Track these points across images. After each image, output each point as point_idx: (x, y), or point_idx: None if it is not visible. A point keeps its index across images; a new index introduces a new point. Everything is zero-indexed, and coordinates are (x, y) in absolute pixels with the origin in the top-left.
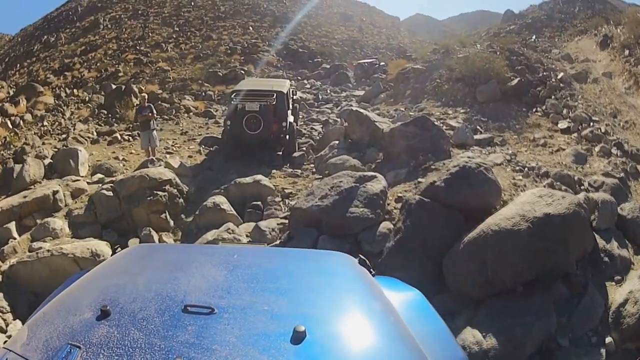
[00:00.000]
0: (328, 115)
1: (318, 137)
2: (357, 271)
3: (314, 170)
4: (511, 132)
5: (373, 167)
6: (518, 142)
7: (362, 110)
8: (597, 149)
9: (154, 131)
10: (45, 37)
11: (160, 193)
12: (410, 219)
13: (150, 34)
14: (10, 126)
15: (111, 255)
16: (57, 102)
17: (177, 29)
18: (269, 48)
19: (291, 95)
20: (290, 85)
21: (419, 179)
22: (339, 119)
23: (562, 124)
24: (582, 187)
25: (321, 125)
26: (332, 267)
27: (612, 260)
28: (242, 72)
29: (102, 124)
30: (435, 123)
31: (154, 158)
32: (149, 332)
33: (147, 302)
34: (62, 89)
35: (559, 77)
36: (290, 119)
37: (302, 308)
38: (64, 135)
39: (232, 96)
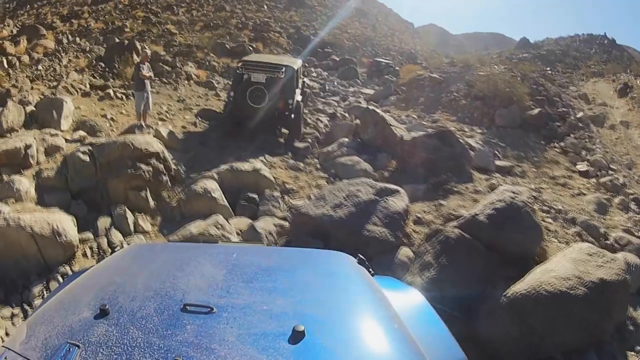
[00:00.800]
0: (335, 108)
1: (324, 130)
2: (357, 271)
3: (319, 166)
4: (529, 164)
5: (386, 175)
6: (537, 176)
7: (378, 111)
8: (616, 200)
9: (150, 92)
10: None
11: (143, 167)
12: (446, 257)
13: None
14: (6, 65)
15: (110, 255)
16: (57, 47)
17: None
18: (281, 30)
19: (302, 75)
20: (302, 65)
21: (440, 201)
22: (347, 114)
23: (581, 166)
24: (608, 242)
25: (328, 118)
26: (331, 267)
27: (637, 328)
28: (251, 48)
29: (98, 77)
30: (459, 140)
31: (143, 123)
32: (148, 331)
33: (146, 301)
34: (65, 34)
35: (578, 116)
36: (298, 98)
37: (301, 307)
38: (55, 83)
39: (238, 66)
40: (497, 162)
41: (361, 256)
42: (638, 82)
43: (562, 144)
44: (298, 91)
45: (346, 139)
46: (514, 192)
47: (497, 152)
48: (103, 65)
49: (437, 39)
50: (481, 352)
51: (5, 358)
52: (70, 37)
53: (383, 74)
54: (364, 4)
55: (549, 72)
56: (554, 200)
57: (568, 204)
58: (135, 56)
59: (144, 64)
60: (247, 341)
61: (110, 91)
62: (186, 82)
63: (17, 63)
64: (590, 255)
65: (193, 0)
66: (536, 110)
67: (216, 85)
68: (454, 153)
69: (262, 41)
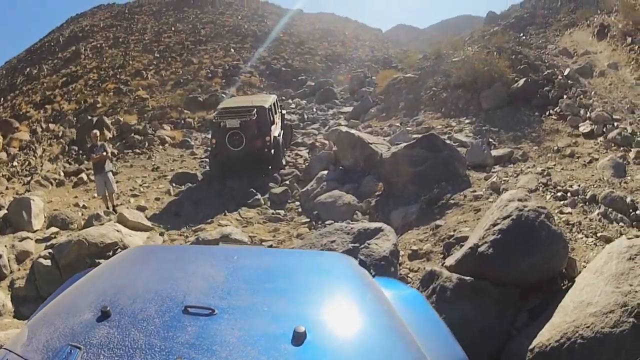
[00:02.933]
0: (315, 138)
1: (304, 165)
2: (357, 272)
3: (300, 210)
4: (529, 142)
5: (373, 204)
6: (541, 154)
7: (353, 131)
8: (631, 154)
9: (110, 173)
10: (28, 69)
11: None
12: (447, 310)
13: (131, 62)
14: None
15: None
16: (31, 138)
17: (158, 55)
18: (252, 69)
19: (277, 110)
20: (277, 100)
21: (437, 221)
22: (327, 141)
23: (584, 127)
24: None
25: (307, 150)
26: (332, 268)
27: None
28: (223, 95)
29: (72, 162)
30: (447, 142)
31: (102, 211)
32: (150, 333)
33: (147, 303)
34: (39, 123)
35: (565, 73)
36: (275, 133)
37: (302, 309)
38: (29, 178)
39: (215, 115)
40: (494, 152)
41: (362, 258)
42: (612, 18)
43: (557, 109)
44: (274, 127)
45: (325, 172)
46: (520, 200)
47: (491, 140)
48: (76, 148)
49: (407, 38)
50: None
51: None
52: (43, 124)
53: (364, 86)
54: (328, 23)
55: (523, 37)
56: (567, 180)
57: (582, 179)
58: (106, 132)
59: (97, 145)
60: (248, 342)
61: (84, 175)
62: (160, 147)
63: None
64: (632, 259)
65: (160, 61)
66: (521, 81)
67: (192, 143)
68: (442, 158)
69: (233, 85)
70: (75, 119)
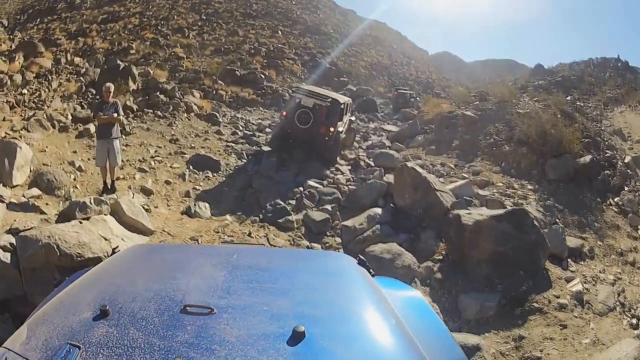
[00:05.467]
0: (357, 153)
1: (347, 188)
2: (357, 271)
3: (341, 249)
4: (592, 234)
5: (436, 272)
6: (605, 253)
7: (420, 170)
8: None
9: (117, 141)
10: None
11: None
12: None
13: (176, 17)
14: None
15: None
16: (52, 67)
17: (204, 18)
18: (295, 57)
19: (348, 112)
20: (351, 104)
21: (520, 330)
22: (372, 162)
23: None
24: None
25: (349, 167)
26: (331, 268)
27: None
28: (262, 76)
29: (85, 106)
30: (535, 222)
31: (105, 183)
32: (149, 332)
33: (146, 302)
34: (66, 53)
35: (625, 160)
36: (340, 129)
37: (301, 308)
38: (32, 112)
39: (292, 89)
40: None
41: (361, 257)
42: None
43: (618, 199)
44: (341, 124)
45: (378, 211)
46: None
47: (558, 221)
48: (94, 91)
49: (451, 67)
50: None
51: (6, 359)
52: (69, 56)
53: (407, 107)
54: (379, 31)
55: (580, 104)
56: (637, 300)
57: None
58: (131, 82)
59: (108, 102)
60: (247, 342)
61: (92, 126)
62: (185, 115)
63: (9, 82)
64: None
65: (205, 24)
66: (587, 158)
67: (220, 120)
68: (528, 242)
69: (275, 68)
70: (104, 59)
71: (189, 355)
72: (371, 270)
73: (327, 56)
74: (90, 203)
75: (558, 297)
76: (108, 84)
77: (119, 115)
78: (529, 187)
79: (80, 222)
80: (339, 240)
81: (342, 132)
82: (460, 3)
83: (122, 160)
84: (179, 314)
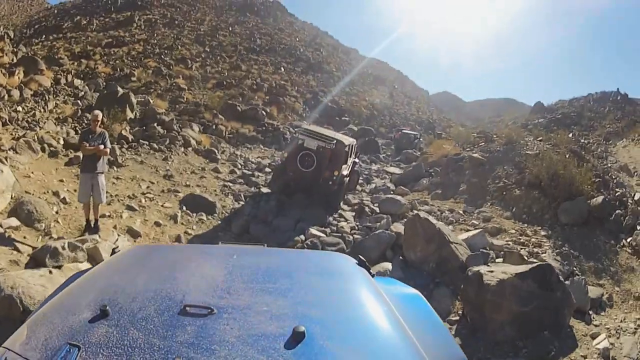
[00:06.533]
0: (361, 197)
1: (351, 237)
2: (357, 272)
3: None
4: (609, 280)
5: (456, 338)
6: (623, 299)
7: (434, 222)
8: None
9: (101, 176)
10: (79, 17)
11: None
12: None
13: (180, 47)
14: None
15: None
16: (51, 87)
17: (208, 50)
18: (297, 94)
19: (352, 154)
20: (356, 146)
21: None
22: (377, 208)
23: None
24: None
25: (353, 213)
26: (331, 268)
27: None
28: (264, 112)
29: (80, 130)
30: (560, 277)
31: (88, 221)
32: (148, 332)
33: (146, 302)
34: (67, 74)
35: (635, 197)
36: (344, 172)
37: (301, 308)
38: (22, 132)
39: (295, 132)
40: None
41: (361, 257)
42: None
43: (630, 239)
44: (345, 167)
45: (389, 266)
46: None
47: (575, 270)
48: (90, 117)
49: (450, 106)
50: None
51: (6, 359)
52: (69, 77)
53: (411, 148)
54: (381, 70)
55: (585, 142)
56: None
57: None
58: (128, 111)
59: (94, 132)
60: (247, 342)
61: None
62: (182, 149)
63: (6, 96)
64: None
65: (209, 56)
66: (600, 199)
67: (218, 156)
68: (554, 300)
69: (276, 105)
70: (104, 83)
71: (189, 355)
72: (371, 271)
73: (329, 94)
74: (63, 249)
75: (585, 357)
76: (96, 112)
77: (106, 147)
78: (542, 233)
79: (50, 272)
80: None
81: (346, 175)
82: (460, 43)
83: (111, 195)
84: (178, 314)
